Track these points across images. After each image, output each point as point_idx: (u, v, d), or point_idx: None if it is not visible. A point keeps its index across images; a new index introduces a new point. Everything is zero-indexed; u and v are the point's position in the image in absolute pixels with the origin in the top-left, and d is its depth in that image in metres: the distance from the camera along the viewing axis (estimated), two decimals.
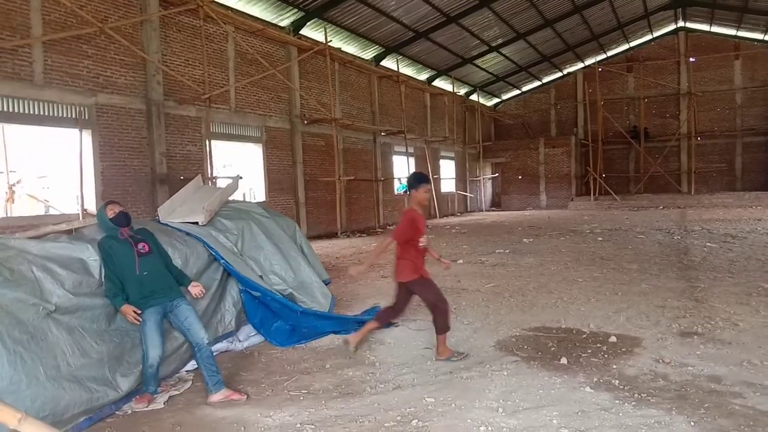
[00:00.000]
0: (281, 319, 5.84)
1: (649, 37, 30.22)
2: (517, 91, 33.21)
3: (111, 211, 4.46)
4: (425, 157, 24.80)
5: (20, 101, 10.01)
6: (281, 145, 16.67)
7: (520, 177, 30.81)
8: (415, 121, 24.67)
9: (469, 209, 30.47)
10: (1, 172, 12.99)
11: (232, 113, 14.83)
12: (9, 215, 12.28)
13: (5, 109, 9.83)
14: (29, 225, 8.76)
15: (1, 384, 3.29)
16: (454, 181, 29.02)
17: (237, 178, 7.91)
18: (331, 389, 4.48)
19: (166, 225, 5.75)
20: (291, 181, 16.98)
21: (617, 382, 4.35)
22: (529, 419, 3.76)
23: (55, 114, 10.61)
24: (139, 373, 4.29)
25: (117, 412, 4.10)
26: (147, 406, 4.20)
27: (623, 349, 5.18)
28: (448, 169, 28.58)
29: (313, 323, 5.85)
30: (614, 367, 4.71)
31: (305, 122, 17.41)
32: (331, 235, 17.78)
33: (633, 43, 30.44)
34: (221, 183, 13.10)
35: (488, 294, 7.91)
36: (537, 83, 32.64)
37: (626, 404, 3.93)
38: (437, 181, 26.10)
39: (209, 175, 13.30)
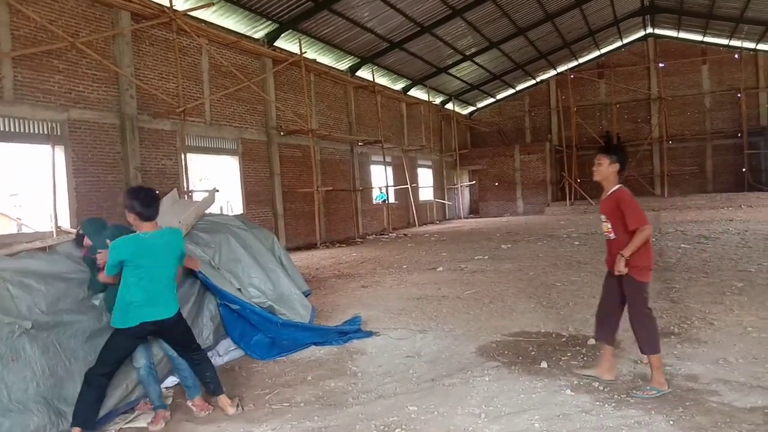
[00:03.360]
0: (261, 332, 5.79)
1: (619, 43, 30.82)
2: (492, 99, 33.59)
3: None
4: (403, 166, 24.90)
5: None
6: (258, 157, 16.60)
7: (497, 184, 31.07)
8: (392, 131, 24.78)
9: (447, 217, 30.63)
10: None
11: (208, 126, 14.73)
12: None
13: None
14: (1, 244, 8.58)
15: None
16: (432, 189, 29.16)
17: (213, 191, 7.85)
18: (313, 401, 4.45)
19: None
20: (269, 192, 16.90)
21: (597, 384, 4.39)
22: (512, 424, 3.78)
23: (27, 130, 10.44)
24: (120, 393, 4.21)
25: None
26: (162, 425, 4.10)
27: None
28: (425, 177, 28.72)
29: (293, 335, 5.82)
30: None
31: (282, 134, 17.37)
32: (311, 246, 17.72)
33: (604, 50, 31.00)
34: (197, 197, 12.97)
35: (468, 300, 7.95)
36: (511, 91, 33.05)
37: (606, 405, 3.97)
38: (415, 189, 26.20)
39: (185, 189, 13.18)
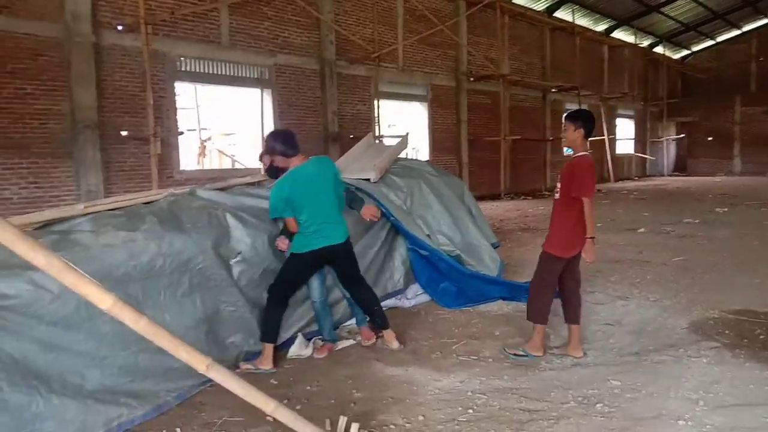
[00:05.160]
0: (448, 280, 5.70)
1: None
2: (710, 42, 29.11)
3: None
4: (600, 115, 22.98)
5: (209, 62, 10.84)
6: (446, 103, 16.42)
7: (710, 139, 27.43)
8: (590, 77, 22.85)
9: (648, 173, 27.95)
10: (194, 130, 14.38)
11: (400, 72, 14.83)
12: (202, 168, 13.59)
13: (197, 70, 10.71)
14: (219, 177, 9.56)
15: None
16: (632, 142, 26.70)
17: (406, 136, 7.84)
18: (502, 358, 4.25)
19: None
20: (454, 140, 16.73)
21: None
22: (739, 417, 3.22)
23: (240, 74, 11.36)
24: (298, 323, 4.49)
25: (287, 363, 4.25)
26: (326, 355, 4.33)
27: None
28: (625, 128, 26.34)
29: (480, 287, 5.62)
30: None
31: (471, 79, 16.94)
32: (494, 197, 17.32)
33: None
34: (388, 142, 13.23)
35: (676, 269, 7.08)
36: (735, 32, 28.23)
37: None
38: (612, 141, 24.15)
39: (377, 135, 13.52)
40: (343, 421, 2.83)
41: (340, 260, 4.29)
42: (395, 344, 4.46)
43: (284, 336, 4.35)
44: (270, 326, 4.06)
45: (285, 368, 4.12)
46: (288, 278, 4.15)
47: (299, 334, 4.34)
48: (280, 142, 4.11)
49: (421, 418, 3.29)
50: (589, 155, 4.21)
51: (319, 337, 4.57)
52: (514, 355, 4.22)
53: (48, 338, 2.87)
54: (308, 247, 4.06)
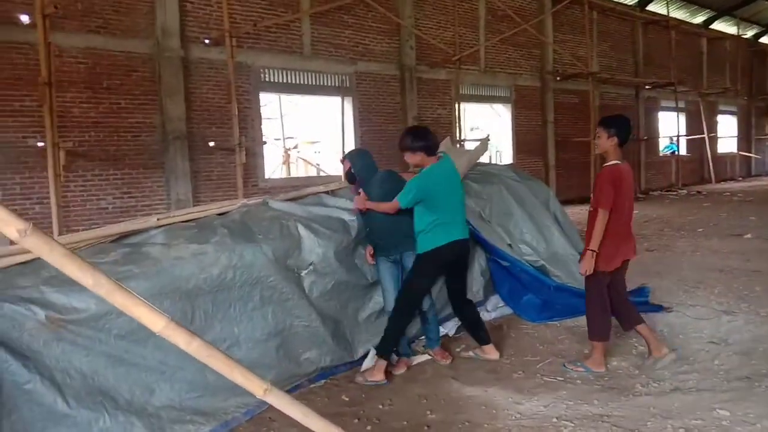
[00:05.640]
0: (531, 292, 5.37)
1: None
2: None
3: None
4: (699, 112, 21.43)
5: (292, 72, 11.02)
6: (530, 104, 15.86)
7: None
8: (687, 72, 21.35)
9: (753, 173, 25.77)
10: (279, 139, 14.71)
11: (482, 73, 14.47)
12: (285, 176, 13.86)
13: (280, 80, 10.91)
14: (302, 185, 9.66)
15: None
16: (735, 139, 24.73)
17: (486, 140, 7.56)
18: (592, 380, 3.91)
19: None
20: (540, 142, 16.11)
21: None
22: None
23: (321, 83, 11.47)
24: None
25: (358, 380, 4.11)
26: (402, 371, 4.17)
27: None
28: (727, 125, 24.43)
29: (567, 300, 5.24)
30: None
31: (558, 78, 16.27)
32: (583, 201, 16.44)
33: None
34: (469, 146, 12.92)
35: None
36: None
37: None
38: (713, 140, 22.46)
39: (458, 138, 13.24)
40: None
41: (461, 262, 4.27)
42: (495, 355, 4.37)
43: (360, 351, 4.22)
44: (391, 340, 3.98)
45: (357, 383, 3.98)
46: (418, 283, 4.05)
47: (371, 348, 4.18)
48: (424, 139, 4.04)
49: None
50: (621, 165, 3.94)
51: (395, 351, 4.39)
52: (574, 370, 4.05)
53: (117, 352, 2.89)
54: (442, 241, 3.97)
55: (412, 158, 4.06)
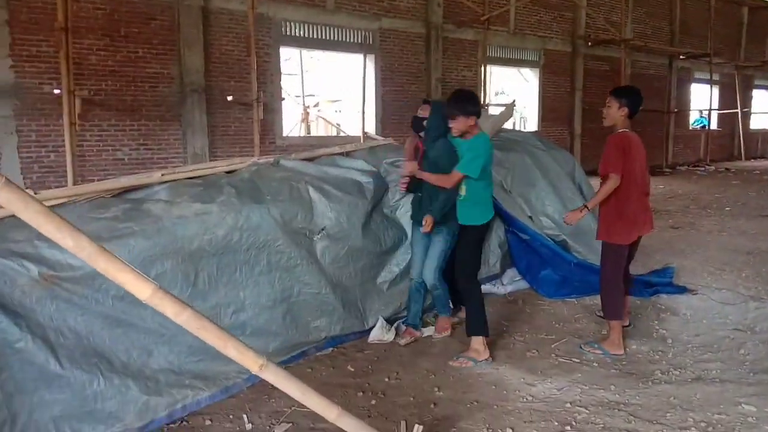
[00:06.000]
0: (550, 267, 5.17)
1: None
2: None
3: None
4: (734, 85, 20.60)
5: (314, 27, 10.68)
6: (559, 70, 15.31)
7: None
8: (725, 42, 20.41)
9: None
10: (299, 96, 14.43)
11: (510, 36, 13.95)
12: (304, 135, 13.65)
13: (302, 34, 10.59)
14: (321, 144, 9.47)
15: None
16: None
17: (512, 105, 7.25)
18: (609, 363, 3.73)
19: None
20: (567, 109, 15.63)
21: None
22: None
23: (344, 39, 11.12)
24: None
25: (367, 348, 3.99)
26: (409, 341, 4.04)
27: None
28: (763, 101, 23.50)
29: (588, 277, 5.03)
30: None
31: (589, 44, 15.65)
32: None
33: None
34: (493, 110, 12.55)
35: None
36: None
37: None
38: (746, 115, 21.66)
39: (482, 102, 12.86)
40: (418, 430, 2.50)
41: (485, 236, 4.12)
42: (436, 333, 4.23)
43: (371, 321, 4.09)
44: (479, 315, 3.76)
45: (364, 353, 3.86)
46: (475, 255, 3.89)
47: (380, 317, 4.05)
48: (475, 104, 3.81)
49: (509, 431, 2.90)
50: (630, 133, 3.94)
51: (403, 320, 4.25)
52: (591, 352, 3.88)
53: (114, 313, 2.77)
54: (490, 215, 3.88)
55: (464, 123, 3.71)
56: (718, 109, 20.17)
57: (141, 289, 1.68)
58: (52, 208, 1.95)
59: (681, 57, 18.70)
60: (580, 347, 3.98)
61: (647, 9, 17.63)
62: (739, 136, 21.10)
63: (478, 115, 3.79)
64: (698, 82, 19.83)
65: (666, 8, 18.34)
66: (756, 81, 22.78)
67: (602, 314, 4.07)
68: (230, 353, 1.88)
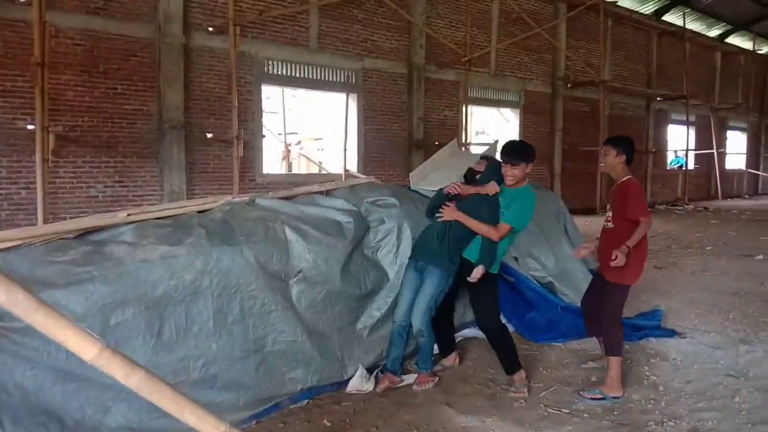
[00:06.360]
0: (536, 310, 5.03)
1: None
2: None
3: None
4: (709, 127, 21.06)
5: (297, 65, 10.67)
6: (540, 110, 15.50)
7: None
8: (699, 85, 20.95)
9: (760, 191, 25.38)
10: (280, 134, 14.36)
11: (491, 77, 14.12)
12: (285, 172, 13.51)
13: (284, 73, 10.56)
14: (302, 182, 9.32)
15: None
16: (744, 156, 24.36)
17: (494, 144, 7.19)
18: (600, 414, 3.55)
19: (416, 192, 5.29)
20: (547, 149, 15.75)
21: None
22: None
23: (327, 78, 11.12)
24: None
25: (345, 399, 3.77)
26: (386, 387, 3.84)
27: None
28: (737, 142, 24.07)
29: (574, 321, 4.89)
30: None
31: (568, 86, 15.91)
32: (588, 211, 16.11)
33: None
34: (475, 150, 12.57)
35: None
36: None
37: None
38: (722, 155, 22.08)
39: (464, 141, 12.89)
40: None
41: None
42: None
43: (351, 370, 3.86)
44: (512, 354, 3.95)
45: (342, 405, 3.63)
46: (497, 302, 4.02)
47: (360, 366, 3.83)
48: (534, 153, 3.99)
49: None
50: (634, 178, 4.03)
51: (382, 367, 4.03)
52: (591, 399, 3.76)
53: (68, 366, 2.53)
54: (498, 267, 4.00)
55: (522, 170, 3.89)
56: (694, 150, 20.53)
57: (85, 348, 1.48)
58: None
59: (658, 99, 19.11)
60: (579, 394, 3.82)
61: (625, 52, 18.06)
62: (716, 176, 21.47)
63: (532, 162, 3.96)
64: (675, 123, 20.22)
65: (643, 52, 18.80)
66: (730, 122, 23.33)
67: (604, 351, 4.08)
68: (188, 419, 1.67)
